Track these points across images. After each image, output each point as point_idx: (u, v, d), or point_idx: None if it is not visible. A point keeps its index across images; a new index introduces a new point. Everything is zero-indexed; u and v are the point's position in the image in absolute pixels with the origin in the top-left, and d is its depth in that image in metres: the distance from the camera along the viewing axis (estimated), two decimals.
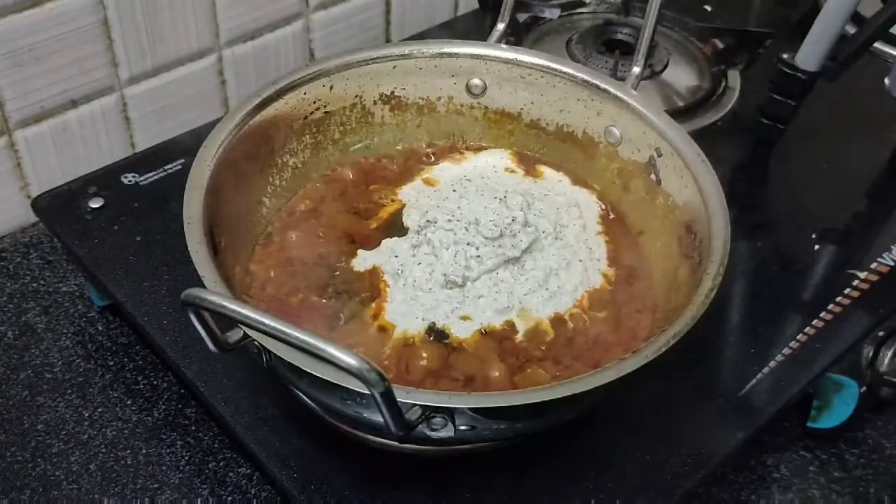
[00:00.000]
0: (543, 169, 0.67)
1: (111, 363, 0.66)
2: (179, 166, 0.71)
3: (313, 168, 0.65)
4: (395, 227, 0.62)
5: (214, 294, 0.42)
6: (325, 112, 0.64)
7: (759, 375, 0.59)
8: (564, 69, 0.64)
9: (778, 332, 0.62)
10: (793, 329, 0.62)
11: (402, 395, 0.43)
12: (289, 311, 0.56)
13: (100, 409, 0.62)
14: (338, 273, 0.59)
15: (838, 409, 0.63)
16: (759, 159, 0.78)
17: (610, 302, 0.58)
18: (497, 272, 0.58)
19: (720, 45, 0.81)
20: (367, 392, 0.39)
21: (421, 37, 0.88)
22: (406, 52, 0.65)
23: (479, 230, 0.59)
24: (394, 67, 0.65)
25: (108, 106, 0.76)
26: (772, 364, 0.60)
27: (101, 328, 0.68)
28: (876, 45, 0.79)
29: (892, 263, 0.67)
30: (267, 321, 0.40)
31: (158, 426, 0.62)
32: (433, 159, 0.68)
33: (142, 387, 0.64)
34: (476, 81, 0.66)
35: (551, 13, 0.82)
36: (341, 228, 0.62)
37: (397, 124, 0.67)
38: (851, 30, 0.76)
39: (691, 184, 0.57)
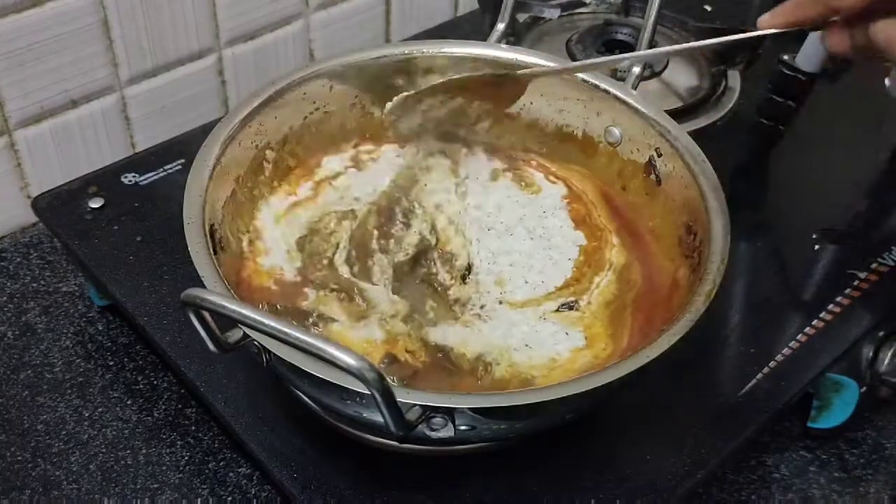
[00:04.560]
0: (535, 175, 0.67)
1: (111, 363, 0.66)
2: (179, 166, 0.71)
3: (313, 168, 0.65)
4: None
5: (214, 294, 0.42)
6: (325, 112, 0.64)
7: (759, 375, 0.59)
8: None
9: (778, 332, 0.62)
10: (793, 329, 0.62)
11: (402, 395, 0.43)
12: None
13: (100, 409, 0.62)
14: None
15: (838, 409, 0.63)
16: (759, 159, 0.78)
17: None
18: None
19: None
20: (367, 392, 0.39)
21: (421, 37, 0.88)
22: (406, 52, 0.65)
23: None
24: (394, 67, 0.65)
25: (108, 106, 0.76)
26: (772, 364, 0.60)
27: (101, 328, 0.68)
28: None
29: (892, 263, 0.67)
30: (267, 321, 0.40)
31: (158, 426, 0.62)
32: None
33: (142, 387, 0.64)
34: None
35: (551, 13, 0.82)
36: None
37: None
38: None
39: (691, 184, 0.57)
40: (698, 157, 0.58)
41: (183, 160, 0.71)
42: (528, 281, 0.59)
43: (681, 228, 0.58)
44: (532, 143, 0.67)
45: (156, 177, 0.70)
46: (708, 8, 0.92)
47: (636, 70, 0.62)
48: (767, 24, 0.50)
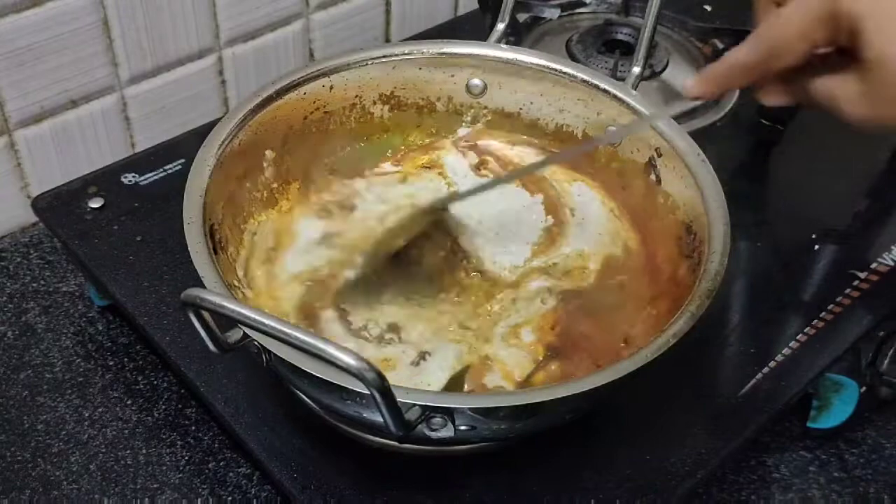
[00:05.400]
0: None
1: (111, 363, 0.66)
2: (179, 166, 0.71)
3: (313, 168, 0.65)
4: None
5: (214, 294, 0.42)
6: (325, 112, 0.64)
7: (759, 375, 0.59)
8: (564, 69, 0.64)
9: (778, 332, 0.62)
10: (793, 329, 0.62)
11: (402, 395, 0.43)
12: None
13: (100, 409, 0.62)
14: None
15: (838, 409, 0.63)
16: (758, 159, 0.78)
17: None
18: None
19: (720, 45, 0.81)
20: (366, 392, 0.39)
21: (421, 37, 0.88)
22: (406, 52, 0.65)
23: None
24: (394, 67, 0.65)
25: (108, 106, 0.76)
26: (772, 364, 0.60)
27: (101, 328, 0.68)
28: None
29: (892, 263, 0.67)
30: (267, 321, 0.40)
31: (158, 426, 0.62)
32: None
33: (142, 387, 0.64)
34: (476, 81, 0.66)
35: (551, 13, 0.82)
36: None
37: (397, 124, 0.67)
38: None
39: (691, 184, 0.57)
40: (698, 157, 0.58)
41: (183, 160, 0.71)
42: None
43: (681, 228, 0.58)
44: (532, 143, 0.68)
45: (156, 177, 0.70)
46: (708, 8, 0.92)
47: (636, 70, 0.62)
48: (696, 93, 0.48)
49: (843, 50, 0.41)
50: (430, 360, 0.54)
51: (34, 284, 0.71)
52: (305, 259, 0.59)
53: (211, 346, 0.45)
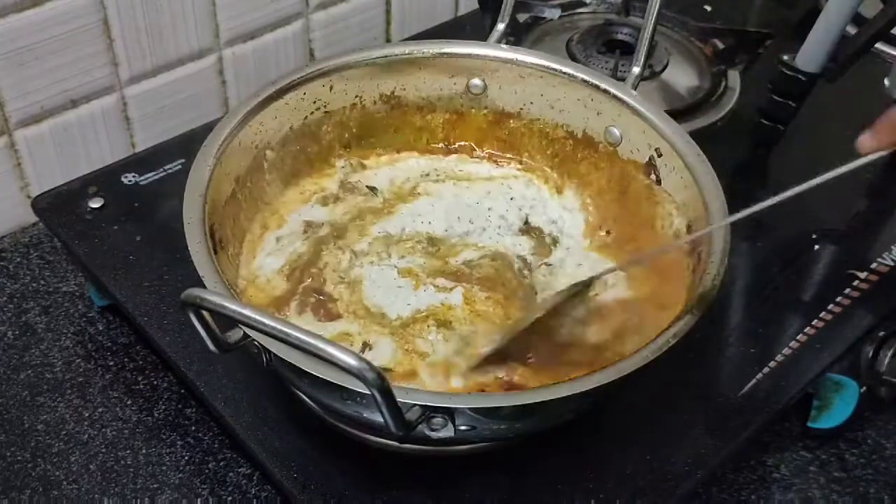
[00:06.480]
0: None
1: (111, 363, 0.66)
2: (179, 166, 0.71)
3: (313, 168, 0.65)
4: None
5: (214, 294, 0.42)
6: (325, 112, 0.64)
7: (759, 375, 0.59)
8: (564, 69, 0.64)
9: (778, 332, 0.62)
10: (793, 329, 0.62)
11: (402, 395, 0.43)
12: None
13: (100, 409, 0.62)
14: None
15: (838, 409, 0.63)
16: (759, 159, 0.78)
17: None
18: None
19: (720, 45, 0.81)
20: (367, 392, 0.39)
21: (421, 37, 0.88)
22: (406, 52, 0.65)
23: None
24: (393, 68, 0.65)
25: (108, 106, 0.76)
26: (772, 364, 0.60)
27: (101, 328, 0.68)
28: (876, 45, 0.79)
29: (892, 263, 0.67)
30: (267, 321, 0.40)
31: (158, 426, 0.62)
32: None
33: (142, 387, 0.64)
34: (476, 81, 0.66)
35: (551, 13, 0.82)
36: None
37: (397, 125, 0.67)
38: (852, 30, 0.76)
39: (691, 184, 0.57)
40: (698, 157, 0.58)
41: (183, 160, 0.71)
42: None
43: (681, 228, 0.58)
44: (532, 143, 0.68)
45: (156, 177, 0.70)
46: (708, 8, 0.92)
47: (636, 70, 0.62)
48: (869, 148, 0.47)
49: None
50: (370, 354, 0.54)
51: (34, 284, 0.71)
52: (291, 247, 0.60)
53: (211, 346, 0.45)
